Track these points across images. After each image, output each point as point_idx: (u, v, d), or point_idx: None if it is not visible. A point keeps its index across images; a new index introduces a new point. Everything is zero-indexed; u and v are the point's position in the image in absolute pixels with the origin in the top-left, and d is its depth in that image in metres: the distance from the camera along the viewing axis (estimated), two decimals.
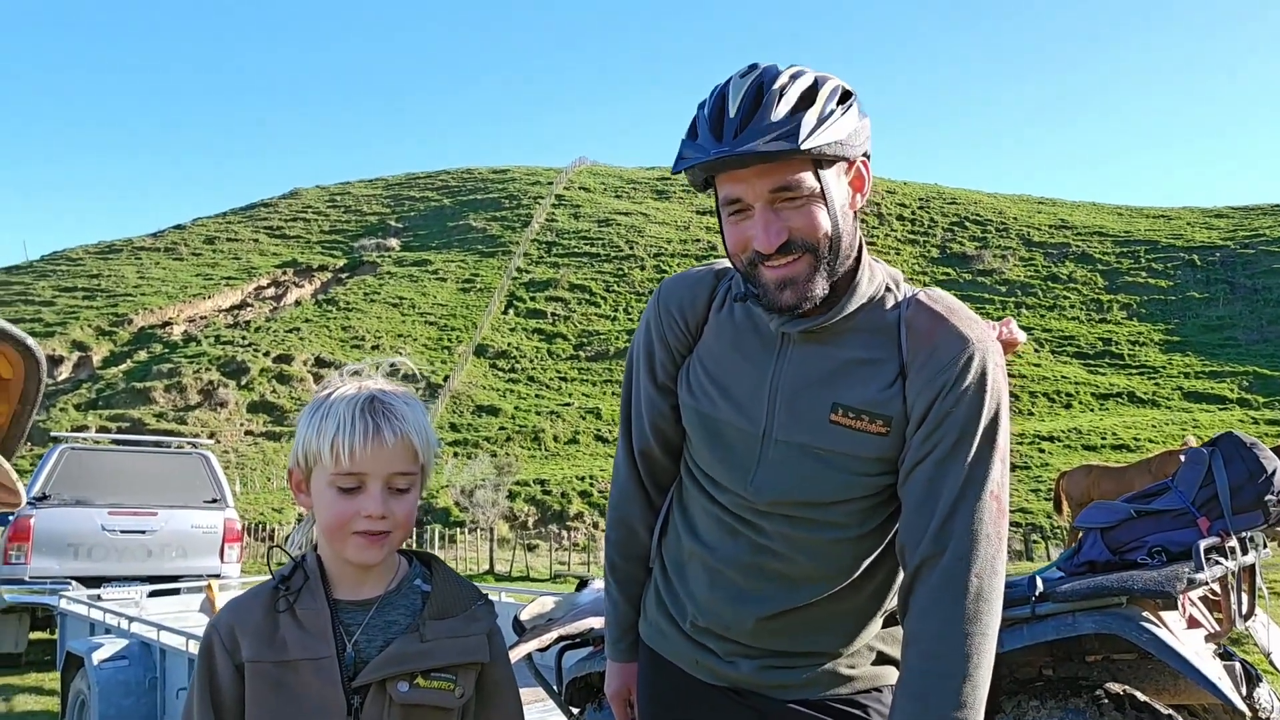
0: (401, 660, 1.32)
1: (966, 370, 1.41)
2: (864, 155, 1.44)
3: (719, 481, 1.56)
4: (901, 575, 1.47)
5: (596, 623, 3.26)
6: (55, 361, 68.32)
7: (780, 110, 1.35)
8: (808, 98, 1.37)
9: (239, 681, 1.31)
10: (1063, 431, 40.77)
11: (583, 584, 3.54)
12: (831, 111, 1.36)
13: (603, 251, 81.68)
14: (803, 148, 1.33)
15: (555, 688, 3.40)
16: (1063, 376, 52.79)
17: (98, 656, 4.51)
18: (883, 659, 1.58)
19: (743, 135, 1.34)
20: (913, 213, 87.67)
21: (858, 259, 1.49)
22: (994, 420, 1.42)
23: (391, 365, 1.46)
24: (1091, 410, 47.44)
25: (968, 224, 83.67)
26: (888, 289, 1.52)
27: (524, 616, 3.31)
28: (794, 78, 1.38)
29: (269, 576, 1.41)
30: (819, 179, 1.38)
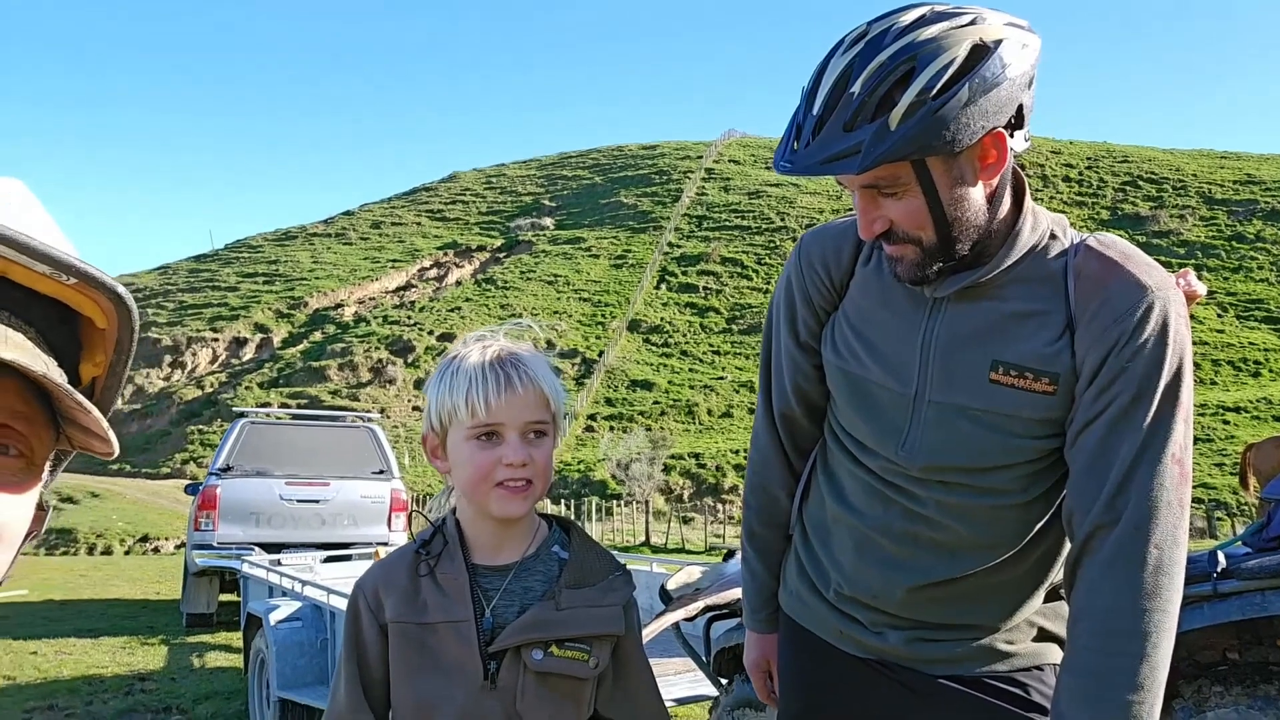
0: (536, 628, 1.31)
1: (1145, 320, 1.27)
2: (996, 129, 1.26)
3: (867, 445, 1.47)
4: (1069, 545, 1.36)
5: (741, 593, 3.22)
6: (240, 343, 73.00)
7: (856, 117, 1.23)
8: (893, 94, 1.22)
9: (383, 640, 1.34)
10: (1250, 401, 38.02)
11: (730, 554, 3.50)
12: (921, 108, 1.21)
13: (754, 224, 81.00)
14: (859, 172, 1.24)
15: (703, 657, 3.38)
16: (1250, 343, 49.18)
17: (274, 617, 4.76)
18: (1045, 635, 1.47)
19: (816, 141, 1.26)
20: (1080, 173, 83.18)
21: (1018, 207, 1.37)
22: (1176, 376, 1.28)
23: (515, 325, 1.45)
24: None
25: (1141, 183, 78.77)
26: (1052, 236, 1.39)
27: (670, 586, 3.30)
28: (894, 57, 1.22)
29: (407, 544, 1.43)
30: (918, 170, 1.27)
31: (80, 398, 0.62)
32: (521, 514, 1.35)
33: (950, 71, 1.21)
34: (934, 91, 1.21)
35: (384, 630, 1.34)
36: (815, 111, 1.27)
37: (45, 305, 0.68)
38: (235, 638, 8.17)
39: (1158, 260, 1.36)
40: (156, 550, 27.42)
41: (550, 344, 1.54)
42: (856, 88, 1.24)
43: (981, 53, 1.23)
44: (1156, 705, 1.23)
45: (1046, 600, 1.48)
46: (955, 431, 1.38)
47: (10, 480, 0.66)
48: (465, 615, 1.31)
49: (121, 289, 0.67)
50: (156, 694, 6.17)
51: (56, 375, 0.63)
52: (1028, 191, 1.39)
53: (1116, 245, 1.36)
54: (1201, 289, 2.38)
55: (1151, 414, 1.27)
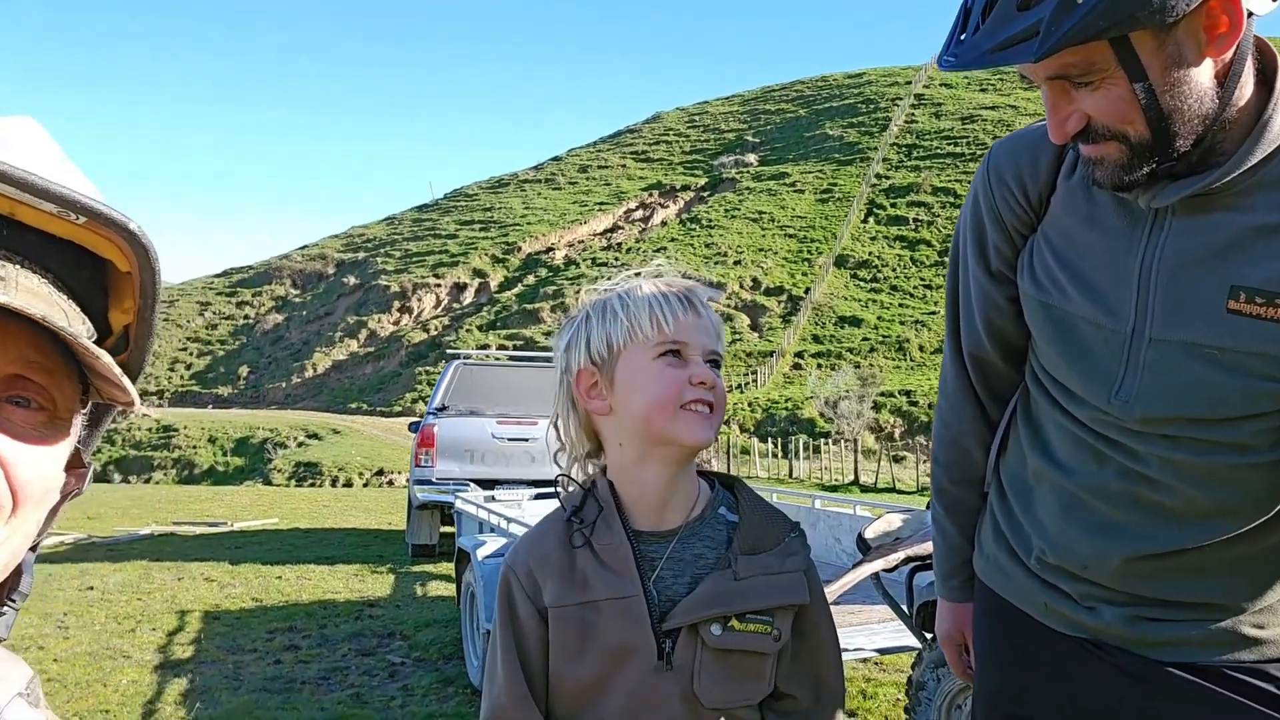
0: (715, 601, 1.17)
1: None
2: None
3: (1074, 392, 1.24)
4: None
5: None
6: (460, 288, 76.75)
7: None
8: None
9: (542, 625, 1.21)
10: None
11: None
12: None
13: (968, 150, 76.86)
14: (1037, 60, 1.00)
15: (905, 609, 3.19)
16: None
17: (481, 553, 4.93)
18: None
19: (984, 28, 1.03)
20: None
21: (1269, 92, 1.09)
22: None
23: (657, 266, 1.31)
24: None
25: None
26: None
27: (869, 534, 3.13)
28: None
29: (554, 512, 1.30)
30: (1117, 50, 1.01)
31: (87, 342, 0.59)
32: (709, 441, 1.22)
33: None
34: None
35: (542, 615, 1.21)
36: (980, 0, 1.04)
37: (62, 249, 0.64)
38: (454, 569, 8.62)
39: None
40: (390, 483, 29.49)
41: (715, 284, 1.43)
42: None
43: None
44: None
45: None
46: (1183, 375, 1.12)
47: (32, 434, 0.62)
48: (633, 590, 1.18)
49: (135, 225, 0.63)
50: (382, 620, 6.58)
51: (63, 320, 0.60)
52: (1279, 74, 1.09)
53: None
54: None
55: None
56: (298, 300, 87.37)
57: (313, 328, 79.55)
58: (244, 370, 75.86)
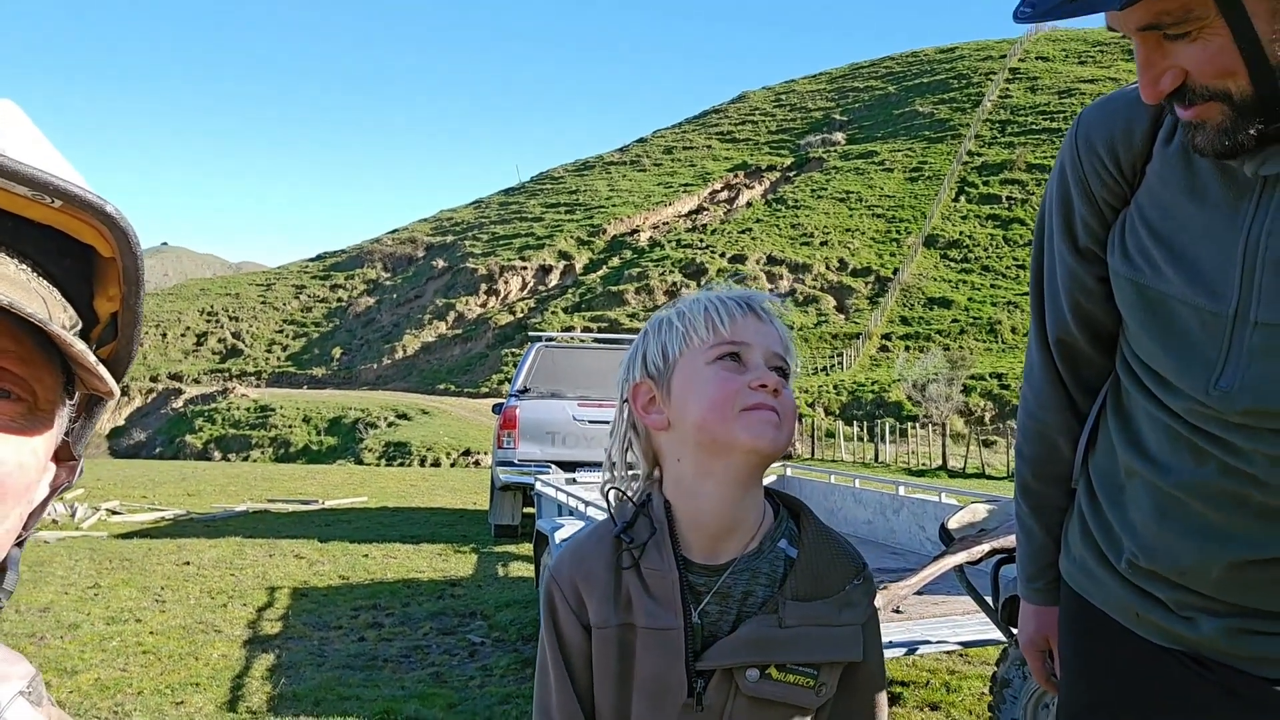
0: (755, 649, 1.11)
1: None
2: None
3: (1170, 381, 1.13)
4: None
5: None
6: (546, 270, 77.38)
7: None
8: None
9: (587, 640, 1.17)
10: None
11: None
12: None
13: (1064, 126, 74.25)
14: (1123, 6, 0.90)
15: (990, 603, 3.07)
16: None
17: (559, 536, 4.93)
18: None
19: None
20: None
21: None
22: None
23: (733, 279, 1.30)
24: None
25: None
26: None
27: (952, 525, 3.02)
28: None
29: (604, 521, 1.24)
30: None
31: (58, 329, 0.57)
32: (775, 447, 1.12)
33: None
34: None
35: (587, 630, 1.16)
36: None
37: (41, 235, 0.63)
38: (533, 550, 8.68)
39: None
40: (477, 464, 29.93)
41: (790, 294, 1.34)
42: None
43: None
44: None
45: None
46: None
47: (11, 425, 0.61)
48: (674, 623, 1.12)
49: (112, 208, 0.61)
50: (463, 599, 6.65)
51: (39, 307, 0.58)
52: None
53: None
54: None
55: None
56: (388, 283, 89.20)
57: (402, 310, 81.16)
58: (337, 352, 77.81)
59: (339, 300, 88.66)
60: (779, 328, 1.17)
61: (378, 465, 30.71)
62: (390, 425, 39.70)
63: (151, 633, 5.64)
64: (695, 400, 1.13)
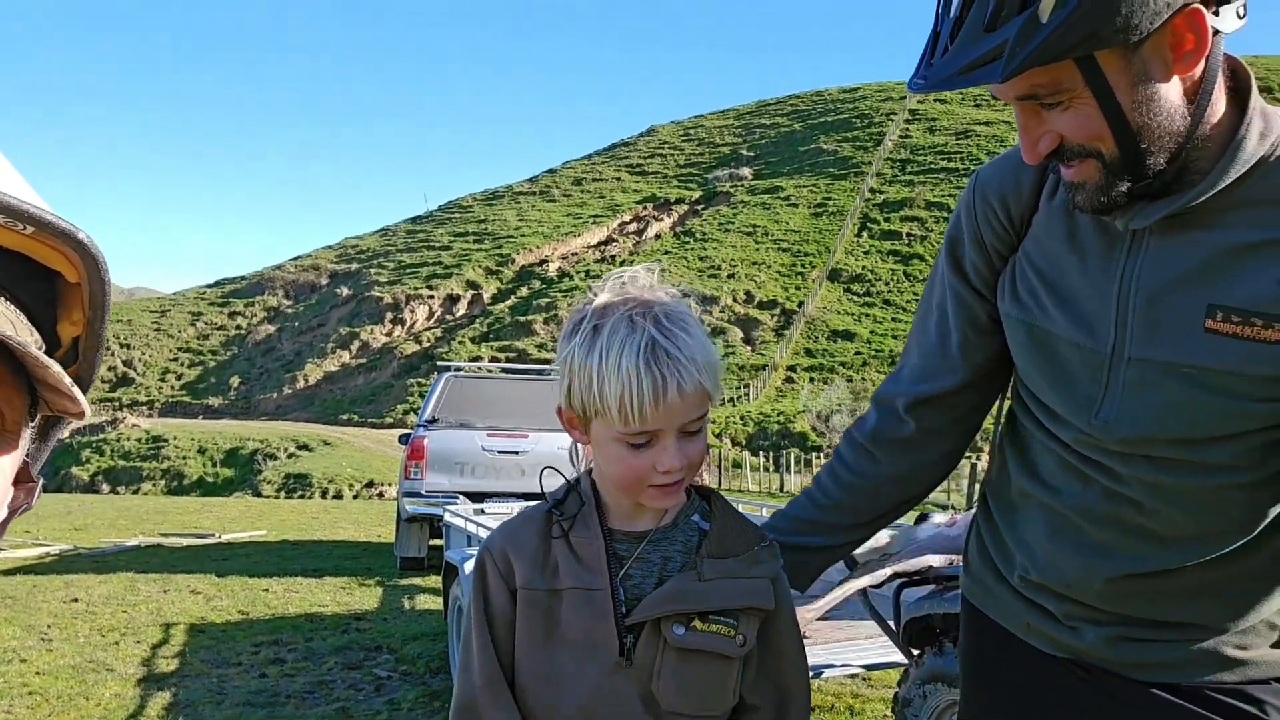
0: (678, 599, 1.19)
1: None
2: (1190, 6, 1.00)
3: (1057, 413, 1.23)
4: None
5: (936, 560, 3.00)
6: (453, 300, 76.68)
7: (999, 12, 1.00)
8: None
9: (513, 606, 1.24)
10: None
11: (922, 517, 3.28)
12: None
13: (961, 166, 77.17)
14: (1004, 80, 1.00)
15: (892, 626, 3.18)
16: None
17: (468, 567, 4.90)
18: None
19: (952, 50, 1.04)
20: None
21: (1242, 111, 1.09)
22: None
23: (648, 269, 1.27)
24: None
25: None
26: None
27: (856, 550, 3.12)
28: None
29: (537, 504, 1.33)
30: (1084, 69, 1.02)
31: (36, 352, 0.58)
32: (674, 505, 1.24)
33: None
34: None
35: (514, 596, 1.24)
36: (952, 13, 1.05)
37: (9, 260, 0.63)
38: (441, 582, 8.57)
39: None
40: (380, 495, 29.38)
41: (702, 298, 1.34)
42: None
43: None
44: None
45: None
46: (1162, 395, 1.11)
47: None
48: (601, 584, 1.20)
49: (84, 235, 0.62)
50: (369, 633, 6.53)
51: (10, 331, 0.59)
52: (1253, 87, 1.09)
53: None
54: None
55: None
56: (290, 311, 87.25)
57: (305, 339, 79.45)
58: (235, 381, 75.66)
59: (238, 328, 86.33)
60: (698, 392, 1.16)
61: (277, 497, 29.89)
62: (290, 456, 38.72)
63: (38, 673, 5.39)
64: (604, 465, 1.22)
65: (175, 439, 44.24)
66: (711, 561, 1.22)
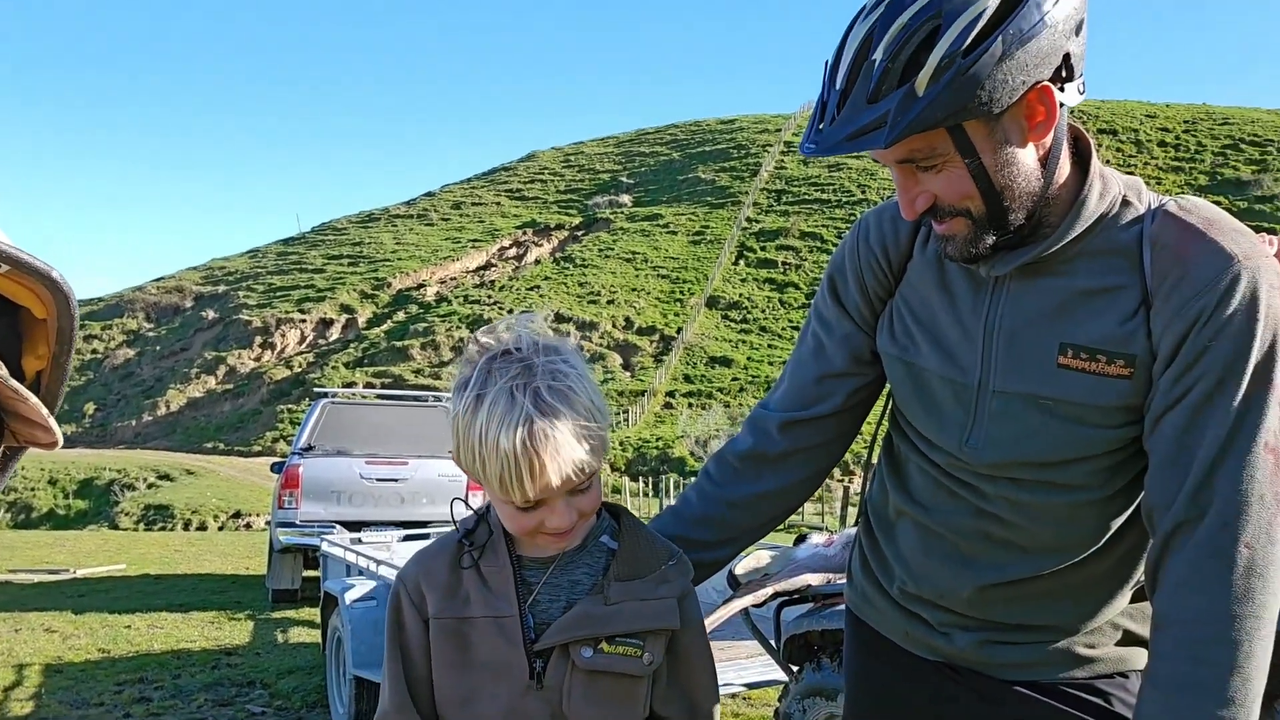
0: (584, 624, 1.23)
1: (1231, 293, 1.14)
2: (1040, 83, 1.14)
3: (930, 439, 1.37)
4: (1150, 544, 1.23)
5: (814, 579, 3.13)
6: (326, 324, 74.74)
7: (880, 86, 1.13)
8: (919, 57, 1.11)
9: (426, 634, 1.27)
10: None
11: (802, 538, 3.40)
12: (950, 68, 1.10)
13: (834, 197, 79.76)
14: (886, 147, 1.13)
15: (773, 644, 3.29)
16: None
17: (349, 596, 4.82)
18: (1130, 639, 1.34)
19: (839, 119, 1.16)
20: (1177, 137, 79.86)
21: (1084, 173, 1.25)
22: (1269, 355, 1.14)
23: (523, 319, 1.27)
24: None
25: (1243, 146, 75.32)
26: (1125, 202, 1.25)
27: (738, 571, 3.21)
28: (917, 16, 1.12)
29: (449, 533, 1.36)
30: (955, 137, 1.16)
31: (14, 383, 0.60)
32: (572, 545, 1.28)
33: (980, 25, 1.10)
34: (963, 48, 1.10)
35: (427, 624, 1.28)
36: (838, 86, 1.17)
37: None
38: (318, 614, 8.34)
39: (1261, 228, 1.23)
40: (248, 526, 28.31)
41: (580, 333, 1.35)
42: (878, 54, 1.14)
43: (1014, 2, 1.11)
44: None
45: (1133, 600, 1.35)
46: (1023, 424, 1.26)
47: None
48: (510, 611, 1.24)
49: (57, 274, 0.63)
50: (241, 668, 6.32)
51: None
52: (1094, 153, 1.26)
53: (1200, 210, 1.21)
54: None
55: (1239, 397, 1.13)
56: (151, 334, 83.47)
57: (167, 363, 76.09)
58: (90, 408, 71.85)
59: (94, 352, 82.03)
60: (578, 463, 1.17)
61: (136, 530, 28.45)
62: (150, 487, 36.93)
63: None
64: (499, 516, 1.26)
65: (23, 469, 41.62)
66: (618, 584, 1.26)
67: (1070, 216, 1.23)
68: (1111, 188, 1.25)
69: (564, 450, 1.16)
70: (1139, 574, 1.33)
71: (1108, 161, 1.28)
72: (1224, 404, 1.14)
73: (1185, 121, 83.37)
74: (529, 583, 1.27)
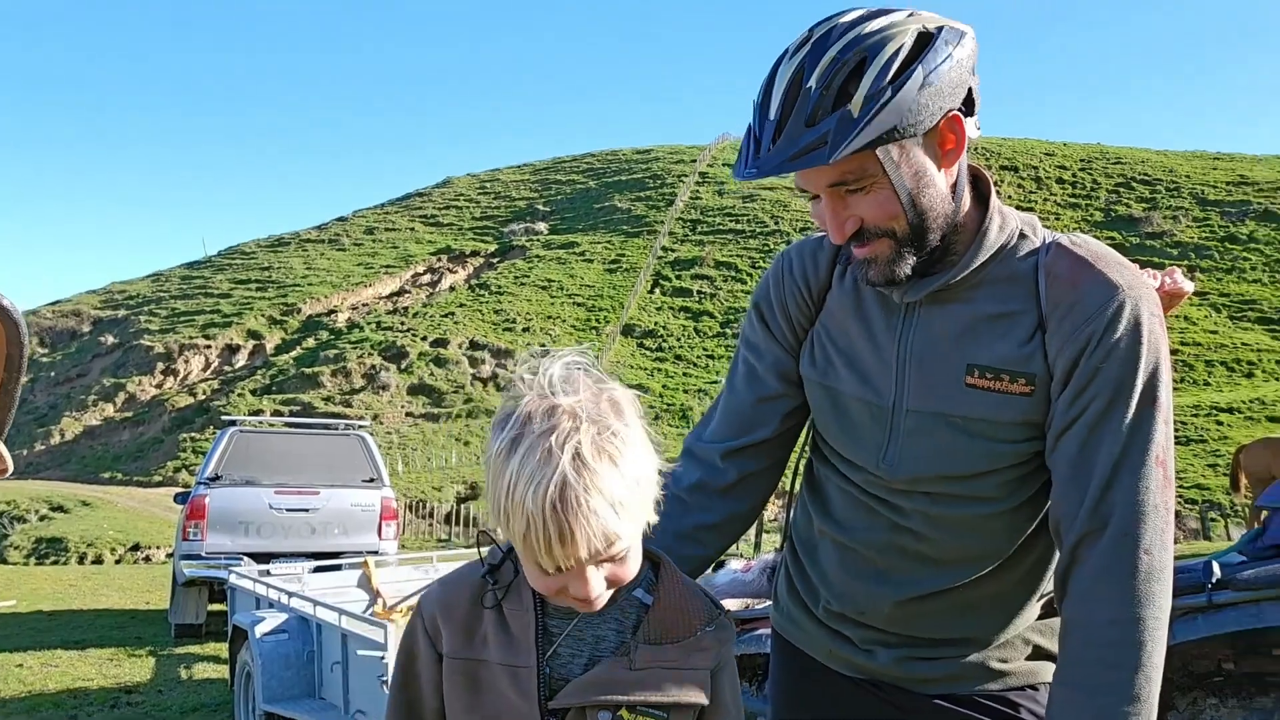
0: (602, 688, 1.13)
1: (1117, 319, 1.26)
2: (952, 111, 1.28)
3: (850, 460, 1.44)
4: (1058, 555, 1.31)
5: (733, 604, 3.18)
6: (233, 349, 72.73)
7: (816, 111, 1.24)
8: (849, 86, 1.23)
9: (437, 669, 1.19)
10: (1243, 402, 38.01)
11: (719, 565, 3.45)
12: (880, 94, 1.22)
13: (748, 228, 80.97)
14: (830, 163, 1.23)
15: None
16: (1243, 344, 49.27)
17: (260, 630, 4.71)
18: (1039, 653, 1.44)
19: (777, 145, 1.25)
20: (1074, 175, 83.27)
21: (985, 208, 1.37)
22: (1152, 376, 1.24)
23: (575, 360, 1.18)
24: (1276, 379, 44.09)
25: (1135, 184, 78.89)
26: (1022, 235, 1.38)
27: None
28: (844, 50, 1.23)
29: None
30: (881, 163, 1.28)
31: None
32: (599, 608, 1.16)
33: (901, 58, 1.24)
34: (889, 77, 1.23)
35: (440, 660, 1.19)
36: (773, 117, 1.26)
37: None
38: (224, 649, 8.09)
39: (1151, 263, 1.34)
40: (147, 559, 27.25)
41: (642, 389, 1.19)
42: (813, 83, 1.24)
43: (926, 39, 1.26)
44: (1151, 717, 1.19)
45: (1042, 615, 1.44)
46: (935, 440, 1.35)
47: None
48: (527, 661, 1.15)
49: (8, 302, 0.65)
50: (143, 707, 6.10)
51: None
52: (993, 190, 1.38)
53: (1088, 245, 1.34)
54: (1189, 286, 2.35)
55: (1130, 416, 1.24)
56: (45, 360, 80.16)
57: (62, 390, 73.12)
58: None
59: None
60: (606, 534, 1.07)
61: (27, 564, 27.15)
62: (43, 519, 35.25)
63: None
64: (524, 568, 1.16)
65: None
66: (646, 647, 1.16)
67: (974, 247, 1.35)
68: (1009, 222, 1.38)
69: (595, 522, 1.05)
70: (1045, 587, 1.42)
71: (1010, 197, 1.39)
72: (1116, 423, 1.24)
73: (1081, 160, 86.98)
74: (551, 633, 1.18)
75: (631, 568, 1.15)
